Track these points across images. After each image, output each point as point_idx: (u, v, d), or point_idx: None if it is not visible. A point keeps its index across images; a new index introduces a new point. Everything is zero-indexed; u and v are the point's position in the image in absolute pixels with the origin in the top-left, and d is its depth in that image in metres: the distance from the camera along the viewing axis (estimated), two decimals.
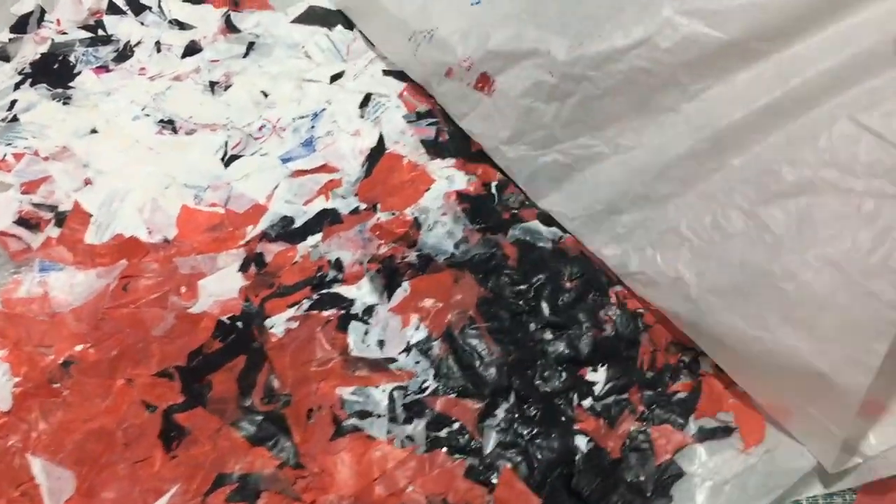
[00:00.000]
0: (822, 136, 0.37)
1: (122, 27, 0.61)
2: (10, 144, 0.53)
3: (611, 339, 0.43)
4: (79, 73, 0.59)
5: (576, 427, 0.41)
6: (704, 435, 0.40)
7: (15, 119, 0.55)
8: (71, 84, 0.58)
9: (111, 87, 0.58)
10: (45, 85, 0.58)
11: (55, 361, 0.45)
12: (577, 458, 0.40)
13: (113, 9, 0.62)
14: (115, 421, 0.43)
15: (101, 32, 0.61)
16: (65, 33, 0.61)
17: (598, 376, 0.43)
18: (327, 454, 0.41)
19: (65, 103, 0.57)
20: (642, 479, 0.39)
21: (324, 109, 0.55)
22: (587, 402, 0.42)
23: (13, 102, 0.56)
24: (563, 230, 0.47)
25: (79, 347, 0.45)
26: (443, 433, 0.42)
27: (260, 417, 0.43)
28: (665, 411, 0.41)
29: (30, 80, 0.58)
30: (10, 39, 0.60)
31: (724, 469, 0.39)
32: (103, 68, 0.59)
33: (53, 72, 0.59)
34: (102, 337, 0.46)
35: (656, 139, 0.43)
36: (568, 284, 0.45)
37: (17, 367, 0.44)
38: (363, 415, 0.42)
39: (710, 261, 0.40)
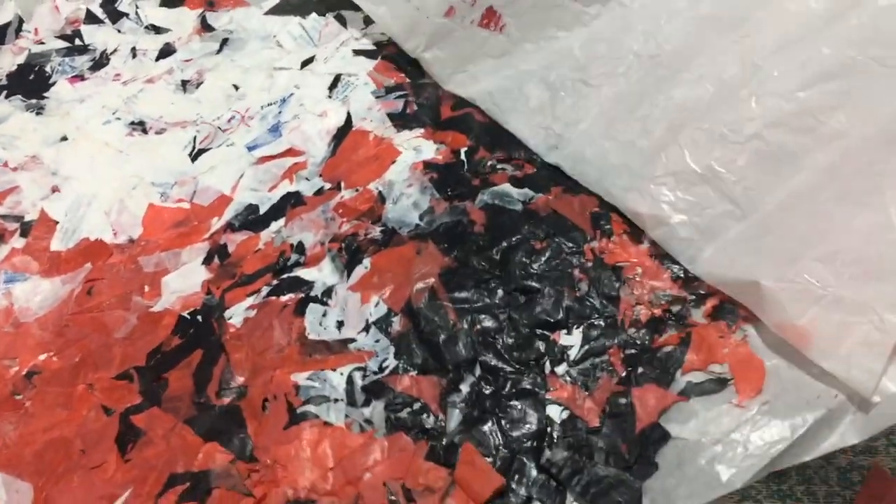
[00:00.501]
0: None
1: (100, 35, 0.61)
2: None
3: (586, 298, 0.38)
4: (54, 82, 0.59)
5: (548, 396, 0.36)
6: (692, 391, 0.35)
7: None
8: (45, 94, 0.58)
9: (85, 94, 0.57)
10: (19, 96, 0.58)
11: (19, 373, 0.44)
12: (549, 430, 0.35)
13: (91, 18, 0.62)
14: (73, 428, 0.41)
15: (78, 42, 0.61)
16: (42, 43, 0.61)
17: (572, 339, 0.38)
18: (281, 444, 0.38)
19: (38, 113, 0.56)
20: (622, 447, 0.34)
21: (292, 94, 0.53)
22: (561, 369, 0.37)
23: None
24: (535, 190, 0.43)
25: (42, 357, 0.44)
26: (404, 414, 0.38)
27: (214, 412, 0.40)
28: (649, 368, 0.36)
29: (5, 93, 0.58)
30: None
31: (714, 428, 0.34)
32: (78, 77, 0.59)
33: (29, 83, 0.59)
34: (66, 344, 0.44)
35: None
36: (539, 245, 0.40)
37: None
38: (319, 400, 0.39)
39: None
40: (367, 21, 0.57)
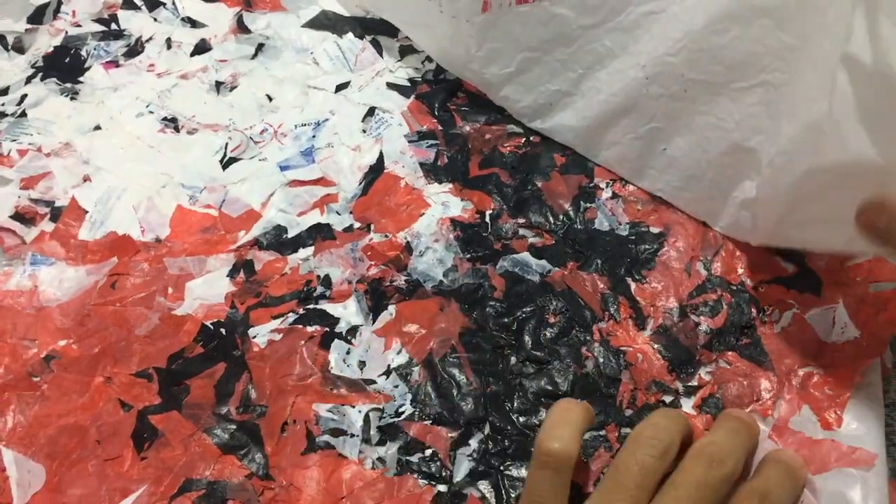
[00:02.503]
0: None
1: (136, 22, 0.61)
2: (15, 140, 0.54)
3: (591, 376, 0.43)
4: (89, 67, 0.59)
5: None
6: None
7: (23, 114, 0.56)
8: (80, 79, 0.58)
9: (119, 82, 0.58)
10: (55, 79, 0.58)
11: (37, 355, 0.45)
12: None
13: (128, 3, 0.62)
14: (89, 418, 0.43)
15: (114, 27, 0.61)
16: (79, 26, 0.61)
17: None
18: (297, 468, 0.41)
19: (72, 98, 0.57)
20: None
21: (327, 119, 0.55)
22: None
23: (23, 97, 0.57)
24: (552, 263, 0.47)
25: (62, 343, 0.46)
26: (414, 458, 0.42)
27: (234, 426, 0.43)
28: None
29: (41, 74, 0.58)
30: (26, 30, 0.61)
31: None
32: (113, 63, 0.59)
33: (64, 66, 0.59)
34: (86, 333, 0.46)
35: None
36: (552, 319, 0.45)
37: (0, 358, 0.45)
38: (336, 433, 0.42)
39: None
40: (403, 52, 0.59)
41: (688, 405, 0.42)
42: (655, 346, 0.43)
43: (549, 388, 0.43)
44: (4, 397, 0.43)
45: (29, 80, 0.58)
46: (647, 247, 0.47)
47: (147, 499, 0.40)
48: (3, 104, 0.56)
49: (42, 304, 0.47)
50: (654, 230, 0.47)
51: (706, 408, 0.42)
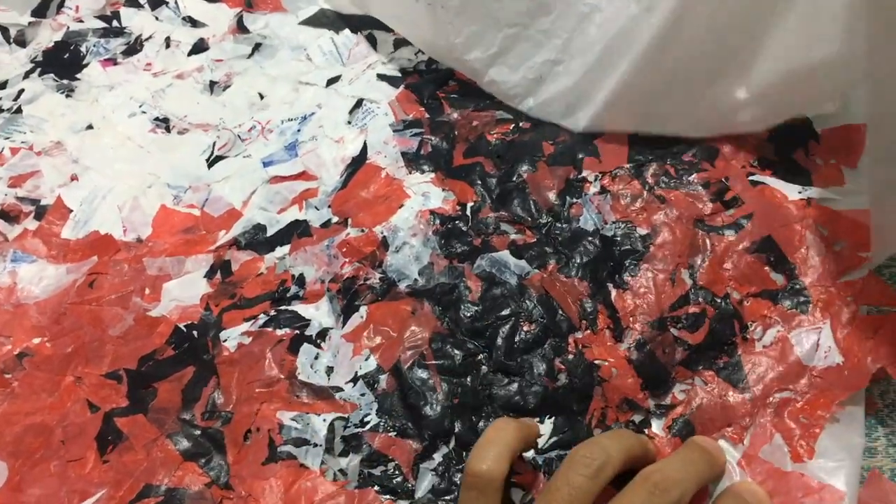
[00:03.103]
0: None
1: (137, 20, 0.61)
2: (8, 138, 0.54)
3: (562, 391, 0.41)
4: (87, 64, 0.59)
5: (513, 479, 0.39)
6: None
7: (19, 111, 0.56)
8: (77, 76, 0.58)
9: (115, 80, 0.58)
10: (52, 75, 0.58)
11: (11, 352, 0.45)
12: None
13: (131, 1, 0.62)
14: (56, 417, 0.43)
15: (115, 24, 0.61)
16: (81, 21, 0.61)
17: (544, 429, 0.40)
18: (257, 479, 0.40)
19: (67, 96, 0.57)
20: None
21: (313, 113, 0.54)
22: (529, 454, 0.40)
23: (20, 92, 0.57)
24: (531, 262, 0.45)
25: (36, 340, 0.46)
26: (377, 471, 0.40)
27: (198, 432, 0.42)
28: None
29: (39, 70, 0.59)
30: (29, 23, 0.61)
31: None
32: (111, 61, 0.59)
33: (63, 61, 0.59)
34: (61, 332, 0.46)
35: None
36: (527, 327, 0.43)
37: None
38: (299, 442, 0.41)
39: None
40: (397, 45, 0.58)
41: (658, 426, 0.39)
42: (632, 359, 0.41)
43: (519, 401, 0.41)
44: None
45: (27, 74, 0.58)
46: (631, 249, 0.43)
47: (105, 503, 0.40)
48: (0, 98, 0.57)
49: (20, 301, 0.47)
50: (641, 231, 0.44)
51: (675, 430, 0.39)
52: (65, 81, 0.58)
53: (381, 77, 0.56)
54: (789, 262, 0.41)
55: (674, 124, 0.47)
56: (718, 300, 0.41)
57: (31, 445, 0.42)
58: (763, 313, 0.40)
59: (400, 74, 0.56)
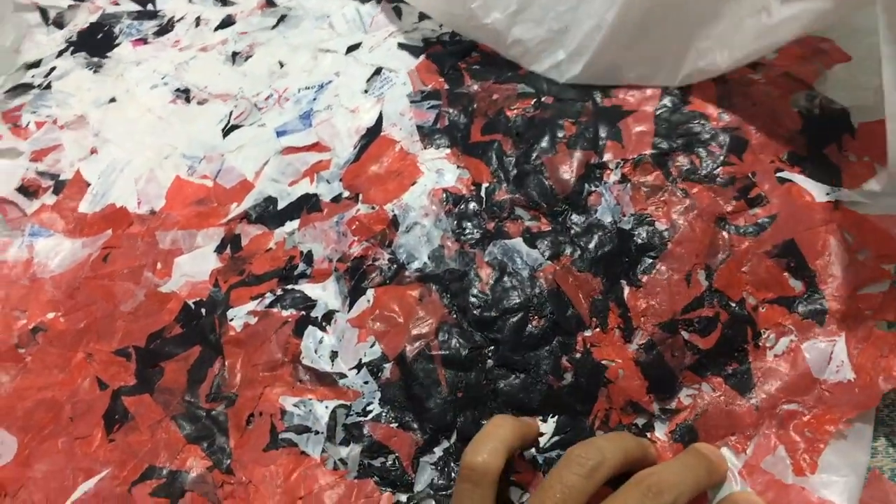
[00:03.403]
0: None
1: (171, 3, 0.61)
2: (34, 112, 0.55)
3: (567, 390, 0.39)
4: (119, 44, 0.59)
5: (512, 478, 0.38)
6: None
7: (48, 87, 0.56)
8: (108, 54, 0.58)
9: (142, 57, 0.57)
10: (84, 54, 0.58)
11: (26, 327, 0.46)
12: None
13: None
14: (67, 393, 0.44)
15: (149, 7, 0.61)
16: (117, 4, 0.61)
17: (546, 427, 0.39)
18: (257, 465, 0.40)
19: (95, 72, 0.57)
20: None
21: (330, 81, 0.52)
22: (530, 453, 0.38)
23: (52, 69, 0.57)
24: (544, 252, 0.42)
25: (50, 315, 0.46)
26: (376, 462, 0.40)
27: (202, 414, 0.42)
28: None
29: (72, 49, 0.58)
30: (69, 6, 0.61)
31: None
32: (142, 40, 0.59)
33: (95, 41, 0.59)
34: (74, 307, 0.46)
35: None
36: (535, 322, 0.41)
37: None
38: (301, 429, 0.41)
39: None
40: (422, 16, 0.55)
41: (661, 430, 0.38)
42: (639, 361, 0.39)
43: (523, 398, 0.39)
44: None
45: (61, 53, 0.58)
46: (649, 245, 0.41)
47: (109, 482, 0.41)
48: (32, 76, 0.57)
49: (36, 275, 0.48)
50: (660, 226, 0.41)
51: (678, 435, 0.37)
52: (95, 59, 0.58)
53: (402, 46, 0.53)
54: (810, 269, 0.38)
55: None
56: (733, 305, 0.38)
57: (41, 421, 0.43)
58: (778, 321, 0.37)
59: (422, 45, 0.53)
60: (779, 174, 0.40)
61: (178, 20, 0.59)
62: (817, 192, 0.39)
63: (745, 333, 0.38)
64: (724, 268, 0.39)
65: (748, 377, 0.37)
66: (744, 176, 0.41)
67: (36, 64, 0.58)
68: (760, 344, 0.37)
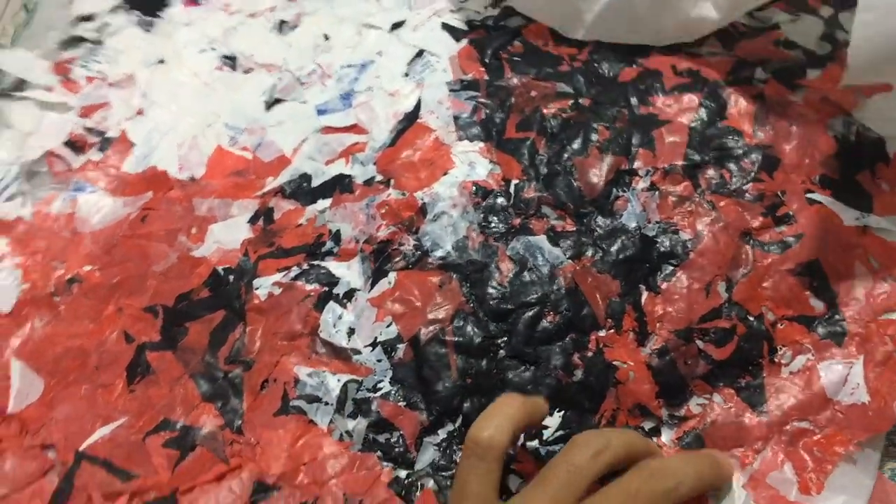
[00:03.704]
0: None
1: None
2: (85, 66, 0.56)
3: (576, 387, 0.40)
4: (171, 4, 0.60)
5: (512, 466, 0.39)
6: None
7: (100, 42, 0.58)
8: (159, 13, 0.60)
9: (193, 19, 0.59)
10: (137, 12, 0.60)
11: (63, 277, 0.48)
12: (502, 497, 0.38)
13: None
14: (94, 344, 0.45)
15: None
16: None
17: (551, 421, 0.39)
18: (266, 428, 0.42)
19: (146, 30, 0.58)
20: None
21: (373, 62, 0.54)
22: (532, 444, 0.39)
23: (104, 25, 0.59)
24: (566, 252, 0.43)
25: (87, 268, 0.48)
26: (381, 438, 0.41)
27: (220, 375, 0.44)
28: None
29: (128, 6, 0.60)
30: None
31: None
32: (194, 2, 0.60)
33: (149, 1, 0.60)
34: (110, 262, 0.48)
35: None
36: (550, 317, 0.41)
37: (29, 275, 0.48)
38: (311, 399, 0.42)
39: None
40: None
41: (668, 436, 0.38)
42: (651, 365, 0.39)
43: (531, 391, 0.40)
44: (24, 312, 0.46)
45: (115, 9, 0.60)
46: (670, 252, 0.41)
47: (125, 430, 0.42)
48: (86, 30, 0.59)
49: (77, 228, 0.49)
50: (684, 236, 0.41)
51: (685, 443, 0.37)
52: (147, 17, 0.59)
53: (446, 27, 0.54)
54: (832, 290, 0.38)
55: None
56: (751, 318, 0.38)
57: (68, 367, 0.45)
58: (795, 338, 0.38)
59: (466, 27, 0.54)
60: (808, 195, 0.40)
61: None
62: (846, 216, 0.39)
63: (761, 348, 0.38)
64: (745, 281, 0.39)
65: (761, 391, 0.37)
66: (773, 194, 0.41)
67: (90, 17, 0.60)
68: (776, 360, 0.38)
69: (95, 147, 0.52)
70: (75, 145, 0.52)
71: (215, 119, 0.53)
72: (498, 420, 0.35)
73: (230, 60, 0.56)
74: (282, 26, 0.57)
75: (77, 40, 0.58)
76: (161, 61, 0.56)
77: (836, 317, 0.38)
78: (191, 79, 0.55)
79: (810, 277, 0.38)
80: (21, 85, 0.55)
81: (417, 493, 0.39)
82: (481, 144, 0.48)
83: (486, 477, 0.34)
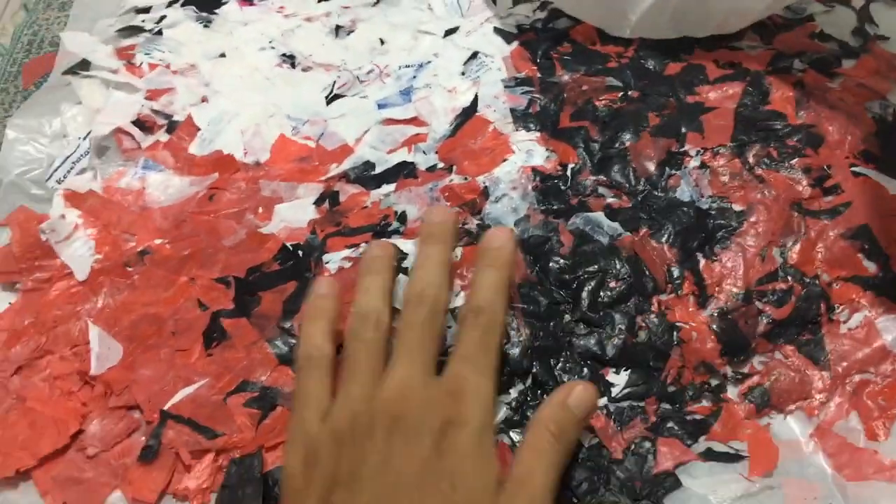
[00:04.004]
0: None
1: None
2: (147, 54, 0.59)
3: (641, 346, 0.42)
4: (226, 2, 0.63)
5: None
6: (710, 456, 0.39)
7: (159, 33, 0.61)
8: (216, 10, 0.63)
9: (249, 18, 0.62)
10: (193, 7, 0.63)
11: (134, 249, 0.49)
12: (578, 450, 0.40)
13: None
14: (169, 311, 0.47)
15: None
16: None
17: (619, 379, 0.42)
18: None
19: (205, 26, 0.61)
20: (637, 482, 0.39)
21: (429, 62, 0.57)
22: (602, 401, 0.42)
23: (162, 17, 0.62)
24: (624, 227, 0.46)
25: (157, 241, 0.50)
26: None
27: (293, 340, 0.45)
28: (677, 426, 0.40)
29: (182, 1, 0.63)
30: None
31: (721, 489, 0.38)
32: (248, 1, 0.63)
33: None
34: (180, 236, 0.50)
35: None
36: (613, 284, 0.44)
37: (101, 246, 0.49)
38: None
39: None
40: (517, 1, 0.60)
41: (734, 392, 0.41)
42: (713, 326, 0.42)
43: (598, 351, 0.43)
44: (99, 280, 0.48)
45: (171, 3, 0.63)
46: (724, 224, 0.45)
47: (206, 391, 0.44)
48: (143, 20, 0.62)
49: (146, 204, 0.51)
50: (737, 208, 0.45)
51: (751, 397, 0.40)
52: (204, 14, 0.62)
53: (498, 31, 0.58)
54: (884, 253, 0.41)
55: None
56: (807, 279, 0.42)
57: (145, 332, 0.46)
58: (851, 297, 0.41)
59: (516, 31, 0.58)
60: (853, 168, 0.44)
61: None
62: (891, 186, 0.43)
63: (818, 307, 0.41)
64: (798, 247, 0.43)
65: (821, 347, 0.40)
66: (819, 167, 0.45)
67: (146, 10, 0.62)
68: (834, 318, 0.41)
69: (163, 129, 0.55)
70: (143, 125, 0.55)
71: (276, 110, 0.56)
72: (320, 325, 0.41)
73: (289, 59, 0.59)
74: (338, 31, 0.60)
75: (135, 29, 0.61)
76: (222, 55, 0.59)
77: (891, 276, 0.41)
78: (252, 72, 0.58)
79: (861, 241, 0.42)
80: (86, 65, 0.58)
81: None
82: (537, 134, 0.52)
83: (322, 381, 0.39)
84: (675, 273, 0.44)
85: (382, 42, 0.59)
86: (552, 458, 0.36)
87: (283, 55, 0.59)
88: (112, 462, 0.42)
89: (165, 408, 0.43)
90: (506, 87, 0.54)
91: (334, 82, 0.57)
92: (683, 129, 0.49)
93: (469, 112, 0.53)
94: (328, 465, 0.36)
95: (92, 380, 0.44)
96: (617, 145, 0.50)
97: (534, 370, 0.43)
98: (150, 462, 0.41)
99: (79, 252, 0.49)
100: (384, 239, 0.47)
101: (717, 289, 0.43)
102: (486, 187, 0.50)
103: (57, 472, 0.41)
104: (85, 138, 0.54)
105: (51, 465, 0.42)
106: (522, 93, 0.54)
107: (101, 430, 0.43)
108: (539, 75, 0.55)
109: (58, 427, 0.42)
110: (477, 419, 0.36)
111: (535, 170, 0.50)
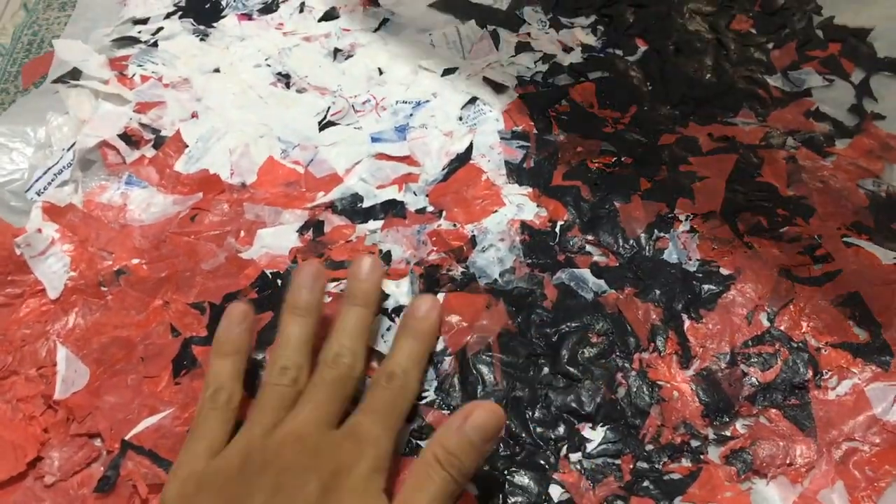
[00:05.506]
0: None
1: None
2: (141, 66, 0.58)
3: (619, 403, 0.41)
4: (225, 15, 0.63)
5: (555, 476, 0.40)
6: None
7: (155, 44, 0.60)
8: (214, 24, 0.62)
9: (247, 34, 0.61)
10: (191, 20, 0.62)
11: (110, 268, 0.48)
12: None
13: None
14: (140, 335, 0.46)
15: None
16: None
17: (594, 434, 0.41)
18: None
19: (202, 40, 0.61)
20: None
21: (427, 101, 0.56)
22: (575, 456, 0.41)
23: (159, 29, 0.61)
24: (609, 285, 0.46)
25: (135, 261, 0.49)
26: (423, 443, 0.41)
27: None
28: (653, 486, 0.39)
29: (180, 13, 0.62)
30: None
31: None
32: (247, 16, 0.63)
33: (203, 10, 0.63)
34: (158, 257, 0.49)
35: None
36: (594, 339, 0.44)
37: (77, 263, 0.48)
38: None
39: None
40: (519, 48, 0.60)
41: (715, 453, 0.40)
42: (695, 387, 0.41)
43: (574, 405, 0.42)
44: (72, 299, 0.47)
45: (169, 15, 0.62)
46: (711, 287, 0.44)
47: (170, 421, 0.43)
48: (139, 32, 0.61)
49: (126, 222, 0.50)
50: (724, 272, 0.45)
51: (733, 461, 0.39)
52: (201, 27, 0.61)
53: (495, 84, 0.57)
54: (876, 321, 0.41)
55: None
56: (795, 344, 0.41)
57: (114, 356, 0.45)
58: (840, 363, 0.40)
59: (516, 80, 0.57)
60: (845, 239, 0.43)
61: (283, 1, 0.64)
62: (883, 255, 0.42)
63: (806, 371, 0.40)
64: (786, 312, 0.42)
65: (808, 412, 0.40)
66: (809, 236, 0.44)
67: (143, 21, 0.62)
68: (822, 384, 0.40)
69: (150, 143, 0.54)
70: (130, 139, 0.54)
71: (267, 131, 0.55)
72: (230, 362, 0.41)
73: (284, 78, 0.58)
74: (336, 54, 0.60)
75: (131, 40, 0.60)
76: (216, 70, 0.58)
77: (880, 343, 0.40)
78: (245, 90, 0.57)
79: (851, 308, 0.41)
80: (77, 74, 0.57)
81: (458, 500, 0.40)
82: (530, 189, 0.51)
83: (220, 420, 0.39)
84: (659, 332, 0.43)
85: (381, 72, 0.58)
86: (438, 486, 0.35)
87: (279, 73, 0.59)
88: (70, 492, 0.41)
89: (127, 437, 0.42)
90: (502, 138, 0.54)
91: (328, 108, 0.56)
92: (675, 195, 0.49)
93: (463, 159, 0.53)
94: (207, 502, 0.35)
95: (55, 404, 0.43)
96: (607, 206, 0.49)
97: (508, 422, 0.42)
98: (107, 494, 0.40)
99: (53, 268, 0.48)
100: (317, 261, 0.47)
101: (701, 350, 0.42)
102: (473, 236, 0.49)
103: (13, 499, 0.40)
104: (69, 149, 0.53)
105: (6, 493, 0.40)
106: (518, 146, 0.53)
107: (60, 457, 0.41)
108: (535, 132, 0.54)
109: (16, 453, 0.41)
110: (368, 463, 0.36)
111: (524, 224, 0.49)
